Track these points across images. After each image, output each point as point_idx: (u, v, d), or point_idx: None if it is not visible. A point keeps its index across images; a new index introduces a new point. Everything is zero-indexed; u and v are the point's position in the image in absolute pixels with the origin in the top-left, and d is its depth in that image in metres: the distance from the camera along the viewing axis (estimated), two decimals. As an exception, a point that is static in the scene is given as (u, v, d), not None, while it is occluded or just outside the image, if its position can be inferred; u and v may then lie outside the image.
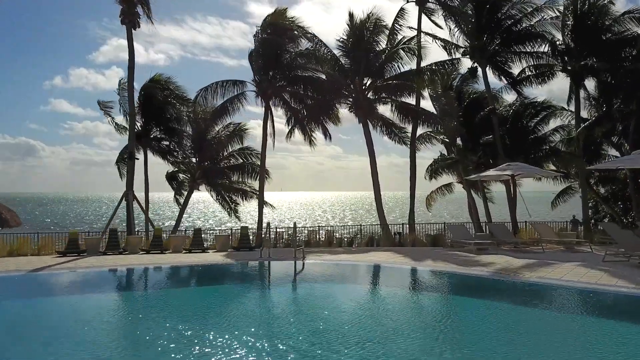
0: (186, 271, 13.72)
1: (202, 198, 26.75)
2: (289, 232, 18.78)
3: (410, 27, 21.64)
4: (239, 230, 17.66)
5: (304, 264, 13.40)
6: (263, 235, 16.78)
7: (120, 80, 22.54)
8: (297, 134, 22.50)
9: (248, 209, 30.75)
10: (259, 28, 21.20)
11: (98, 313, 8.89)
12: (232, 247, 17.11)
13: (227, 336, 6.99)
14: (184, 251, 16.49)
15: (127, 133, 20.15)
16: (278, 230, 19.45)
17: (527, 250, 15.65)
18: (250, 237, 17.63)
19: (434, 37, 21.65)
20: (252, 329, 7.54)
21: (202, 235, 17.61)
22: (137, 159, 20.44)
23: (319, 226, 19.95)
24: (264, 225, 17.70)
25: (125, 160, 20.15)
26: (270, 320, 8.46)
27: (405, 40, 21.17)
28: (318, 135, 22.51)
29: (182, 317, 8.56)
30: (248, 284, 12.48)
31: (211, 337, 6.96)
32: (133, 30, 18.87)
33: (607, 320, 7.96)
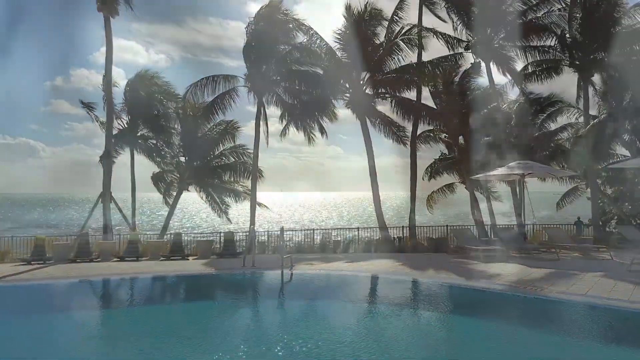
0: (153, 284, 12.09)
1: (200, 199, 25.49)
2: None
3: (410, 25, 20.42)
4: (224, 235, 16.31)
5: (291, 274, 11.85)
6: (247, 242, 15.35)
7: (103, 76, 21.25)
8: (294, 133, 21.32)
9: (243, 210, 29.48)
10: (252, 19, 19.93)
11: (37, 336, 7.61)
12: (215, 253, 15.71)
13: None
14: (162, 258, 15.05)
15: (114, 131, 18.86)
16: (270, 233, 18.16)
17: (540, 257, 14.32)
18: (237, 242, 16.29)
19: (435, 32, 20.41)
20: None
21: (184, 240, 16.27)
22: (115, 156, 19.16)
23: (312, 229, 18.59)
24: (255, 229, 16.37)
25: (104, 158, 18.79)
26: (239, 351, 6.92)
27: (405, 31, 19.90)
28: (316, 133, 21.32)
29: (128, 343, 7.18)
30: (219, 301, 10.81)
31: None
32: (112, 19, 17.54)
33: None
